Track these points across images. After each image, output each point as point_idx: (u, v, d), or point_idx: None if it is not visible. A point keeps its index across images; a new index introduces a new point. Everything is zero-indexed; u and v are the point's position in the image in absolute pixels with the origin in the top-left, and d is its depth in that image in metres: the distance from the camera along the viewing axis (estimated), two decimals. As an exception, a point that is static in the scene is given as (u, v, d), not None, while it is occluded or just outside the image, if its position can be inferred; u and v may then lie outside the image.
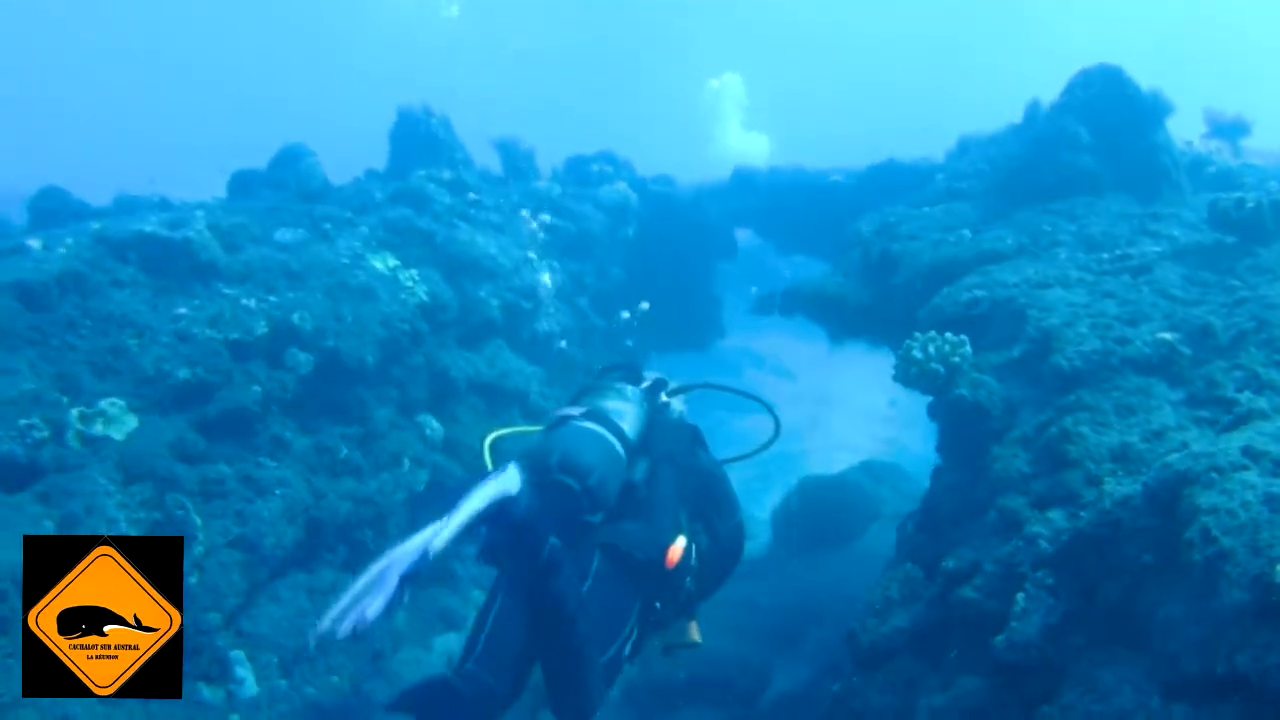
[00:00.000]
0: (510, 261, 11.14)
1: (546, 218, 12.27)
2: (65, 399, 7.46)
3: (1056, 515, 4.98)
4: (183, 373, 7.91)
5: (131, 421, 7.60)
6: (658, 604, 4.22)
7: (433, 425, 9.67)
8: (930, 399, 6.72)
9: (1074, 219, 7.61)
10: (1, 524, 6.58)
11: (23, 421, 7.08)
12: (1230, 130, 9.88)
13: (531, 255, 11.50)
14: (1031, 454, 5.43)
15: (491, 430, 5.08)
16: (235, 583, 7.41)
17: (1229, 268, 6.23)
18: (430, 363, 9.86)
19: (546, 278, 11.53)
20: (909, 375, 6.28)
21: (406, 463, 9.23)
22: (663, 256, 13.71)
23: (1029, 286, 6.60)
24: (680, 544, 4.16)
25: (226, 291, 8.73)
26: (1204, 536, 4.09)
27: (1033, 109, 9.29)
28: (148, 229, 8.75)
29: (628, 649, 4.02)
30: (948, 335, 6.27)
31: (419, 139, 12.50)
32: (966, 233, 7.85)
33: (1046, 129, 8.38)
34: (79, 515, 6.88)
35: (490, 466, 4.48)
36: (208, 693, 6.97)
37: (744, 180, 13.75)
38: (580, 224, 12.34)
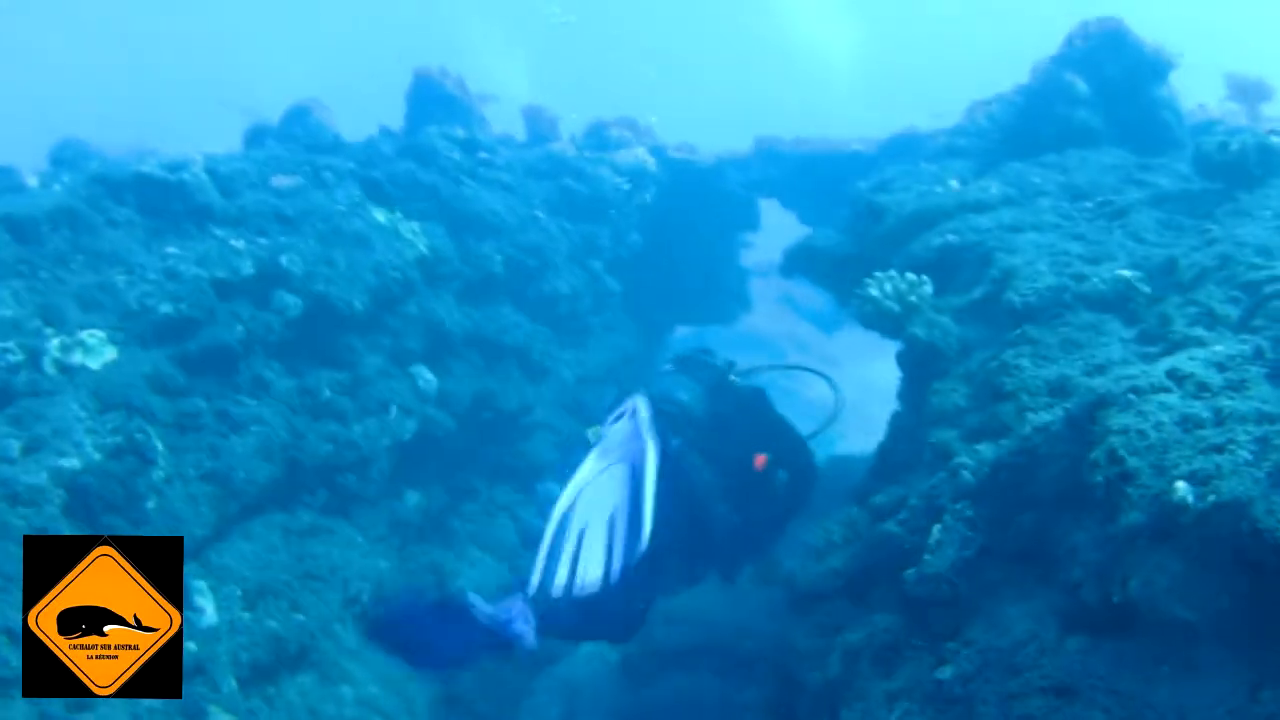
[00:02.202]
0: (516, 219, 11.05)
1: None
2: (49, 329, 7.54)
3: (985, 447, 4.77)
4: (165, 308, 7.95)
5: (110, 352, 7.66)
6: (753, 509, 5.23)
7: (426, 376, 9.57)
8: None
9: (1065, 171, 7.32)
10: (-32, 442, 6.73)
11: (-1, 345, 7.19)
12: (1250, 94, 9.46)
13: (540, 215, 11.40)
14: (971, 388, 5.22)
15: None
16: (203, 514, 7.42)
17: (1208, 212, 5.94)
18: (425, 314, 9.78)
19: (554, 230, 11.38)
20: (865, 314, 6.09)
21: (394, 410, 9.11)
22: (683, 224, 13.52)
23: (1001, 230, 6.36)
24: (764, 457, 5.28)
25: (218, 233, 8.77)
26: (1110, 457, 3.88)
27: (1038, 67, 8.99)
28: (145, 170, 8.83)
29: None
30: (908, 275, 6.06)
31: (434, 100, 12.49)
32: (954, 183, 7.61)
33: (1043, 83, 8.11)
34: (46, 438, 6.96)
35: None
36: (164, 619, 6.98)
37: (767, 151, 13.53)
38: (594, 187, 12.18)
